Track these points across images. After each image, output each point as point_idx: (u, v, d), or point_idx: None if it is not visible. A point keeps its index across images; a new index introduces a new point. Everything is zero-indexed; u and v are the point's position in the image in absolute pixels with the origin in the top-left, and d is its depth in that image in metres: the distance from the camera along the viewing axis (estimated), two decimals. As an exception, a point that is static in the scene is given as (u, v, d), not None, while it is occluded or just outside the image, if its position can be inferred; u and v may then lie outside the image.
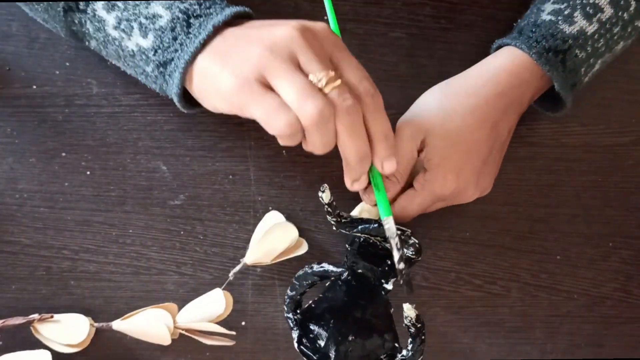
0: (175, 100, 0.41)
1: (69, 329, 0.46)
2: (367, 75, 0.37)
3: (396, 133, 0.44)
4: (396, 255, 0.41)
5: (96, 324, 0.47)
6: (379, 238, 0.45)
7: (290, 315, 0.44)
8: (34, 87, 0.48)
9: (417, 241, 0.44)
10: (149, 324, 0.47)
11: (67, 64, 0.48)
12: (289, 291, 0.44)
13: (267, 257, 0.48)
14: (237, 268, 0.48)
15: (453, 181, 0.43)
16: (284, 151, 0.49)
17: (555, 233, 0.52)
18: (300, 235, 0.49)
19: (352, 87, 0.36)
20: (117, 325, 0.47)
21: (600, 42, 0.43)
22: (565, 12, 0.43)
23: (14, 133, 0.48)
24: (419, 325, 0.40)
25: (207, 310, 0.47)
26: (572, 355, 0.53)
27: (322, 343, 0.41)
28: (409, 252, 0.43)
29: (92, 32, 0.40)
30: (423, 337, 0.41)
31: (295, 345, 0.42)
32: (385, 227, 0.41)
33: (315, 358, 0.41)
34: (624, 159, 0.52)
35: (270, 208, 0.50)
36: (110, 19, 0.39)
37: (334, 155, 0.48)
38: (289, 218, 0.49)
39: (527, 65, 0.43)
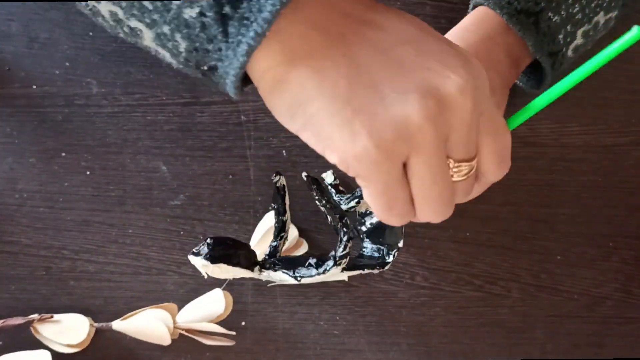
0: (230, 87, 0.27)
1: (69, 329, 0.46)
2: (505, 156, 0.30)
3: None
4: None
5: (96, 324, 0.47)
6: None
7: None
8: (34, 87, 0.48)
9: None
10: (149, 324, 0.47)
11: (67, 64, 0.48)
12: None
13: (267, 257, 0.47)
14: (237, 268, 0.48)
15: None
16: (283, 151, 0.49)
17: (555, 233, 0.52)
18: (300, 235, 0.49)
19: (479, 170, 0.30)
20: (117, 325, 0.47)
21: (576, 7, 0.42)
22: None
23: (14, 133, 0.48)
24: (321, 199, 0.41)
25: (207, 310, 0.47)
26: (572, 355, 0.53)
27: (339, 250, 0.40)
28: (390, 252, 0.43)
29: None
30: (347, 228, 0.39)
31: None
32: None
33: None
34: (624, 159, 0.52)
35: (270, 208, 0.50)
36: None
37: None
38: (289, 218, 0.49)
39: (499, 26, 0.42)
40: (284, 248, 0.47)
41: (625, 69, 0.51)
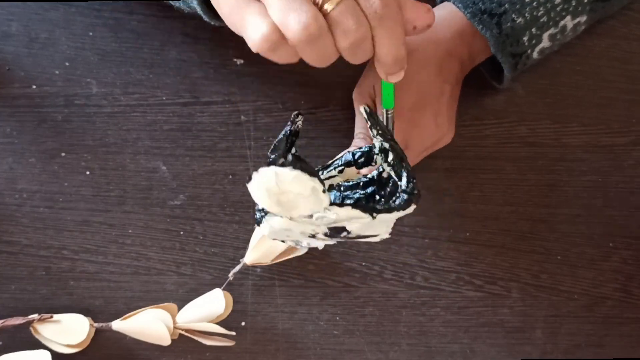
0: (198, 8, 0.38)
1: (69, 329, 0.46)
2: None
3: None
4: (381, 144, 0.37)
5: (96, 324, 0.47)
6: (354, 170, 0.40)
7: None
8: (34, 87, 0.48)
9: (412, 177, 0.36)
10: (149, 324, 0.47)
11: (67, 64, 0.48)
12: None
13: (266, 258, 0.47)
14: (237, 268, 0.48)
15: (412, 121, 0.42)
16: (283, 151, 0.49)
17: (555, 233, 0.52)
18: (300, 235, 0.49)
19: (359, 3, 0.31)
20: (117, 325, 0.47)
21: (540, 10, 0.43)
22: None
23: (14, 133, 0.48)
24: (381, 132, 0.35)
25: (207, 310, 0.47)
26: (572, 355, 0.53)
27: (403, 182, 0.35)
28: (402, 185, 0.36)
29: None
30: (401, 155, 0.35)
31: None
32: (386, 116, 0.39)
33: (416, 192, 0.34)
34: (624, 159, 0.52)
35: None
36: None
37: (334, 156, 0.48)
38: (289, 218, 0.49)
39: (464, 22, 0.44)
40: (283, 248, 0.47)
41: (625, 69, 0.51)
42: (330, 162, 0.40)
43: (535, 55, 0.45)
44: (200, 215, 0.49)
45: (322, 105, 0.49)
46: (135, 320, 0.47)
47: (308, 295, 0.51)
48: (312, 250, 0.50)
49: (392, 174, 0.36)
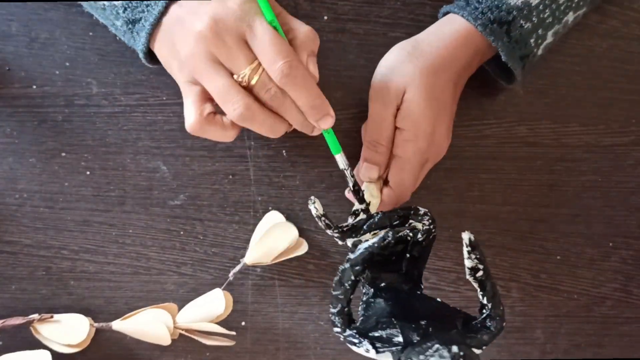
0: (141, 56, 0.42)
1: (69, 329, 0.46)
2: (280, 50, 0.37)
3: (371, 100, 0.44)
4: (351, 182, 0.42)
5: (96, 324, 0.47)
6: (388, 231, 0.41)
7: (348, 332, 0.37)
8: (34, 87, 0.48)
9: (427, 210, 0.41)
10: (149, 324, 0.47)
11: (67, 64, 0.48)
12: (332, 309, 0.38)
13: (267, 257, 0.48)
14: (237, 268, 0.48)
15: (432, 135, 0.43)
16: (283, 151, 0.49)
17: (555, 233, 0.52)
18: (300, 235, 0.49)
19: (268, 70, 0.37)
20: (117, 325, 0.47)
21: (546, 12, 0.44)
22: None
23: (14, 133, 0.48)
24: (479, 257, 0.36)
25: (207, 310, 0.47)
26: (572, 355, 0.53)
27: (399, 338, 0.36)
28: (425, 224, 0.41)
29: None
30: (493, 281, 0.37)
31: (373, 353, 0.37)
32: (338, 161, 0.42)
33: (400, 349, 0.36)
34: (624, 159, 0.52)
35: (270, 208, 0.50)
36: None
37: (333, 156, 0.48)
38: (289, 218, 0.49)
39: (475, 34, 0.44)
40: (283, 248, 0.47)
41: (625, 69, 0.52)
42: (364, 222, 0.42)
43: (540, 52, 0.46)
44: (200, 215, 0.49)
45: (322, 105, 0.49)
46: (135, 320, 0.47)
47: (308, 295, 0.51)
48: (312, 250, 0.50)
49: (480, 296, 0.37)
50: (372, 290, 0.41)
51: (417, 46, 0.45)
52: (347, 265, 0.37)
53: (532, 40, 0.44)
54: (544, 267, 0.52)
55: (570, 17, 0.45)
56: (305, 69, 0.38)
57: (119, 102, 0.48)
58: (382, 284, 0.42)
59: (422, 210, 0.41)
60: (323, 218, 0.41)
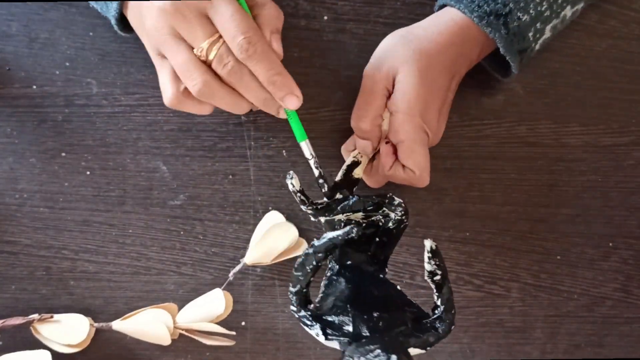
0: (113, 22, 0.43)
1: (69, 329, 0.46)
2: (240, 25, 0.37)
3: (364, 83, 0.44)
4: (316, 172, 0.42)
5: (96, 324, 0.47)
6: (361, 214, 0.43)
7: (303, 312, 0.39)
8: (34, 87, 0.48)
9: (401, 201, 0.42)
10: (149, 324, 0.47)
11: (67, 64, 0.48)
12: (292, 288, 0.39)
13: (267, 257, 0.48)
14: (237, 268, 0.48)
15: (424, 115, 0.43)
16: (284, 151, 0.49)
17: (555, 233, 0.52)
18: (300, 235, 0.49)
19: (229, 45, 0.37)
20: (117, 325, 0.47)
21: (544, 5, 0.44)
22: None
23: (14, 133, 0.48)
24: (438, 263, 0.37)
25: (207, 310, 0.47)
26: (572, 355, 0.53)
27: (349, 328, 0.38)
28: (397, 215, 0.42)
29: None
30: (449, 285, 0.38)
31: (322, 338, 0.39)
32: (303, 149, 0.42)
33: (347, 341, 0.38)
34: (624, 159, 0.52)
35: (270, 208, 0.50)
36: None
37: (333, 156, 0.48)
38: (289, 218, 0.49)
39: (472, 26, 0.44)
40: (283, 248, 0.47)
41: (625, 69, 0.52)
42: (338, 202, 0.43)
43: (537, 47, 0.46)
44: (200, 215, 0.49)
45: (322, 105, 0.49)
46: (136, 320, 0.47)
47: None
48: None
49: (435, 297, 0.38)
50: (337, 267, 0.42)
51: (411, 31, 0.44)
52: (310, 250, 0.38)
53: (530, 34, 0.44)
54: (544, 267, 0.52)
55: (568, 11, 0.45)
56: (267, 44, 0.38)
57: (119, 102, 0.48)
58: (348, 262, 0.43)
59: (397, 201, 0.41)
60: (299, 194, 0.41)
